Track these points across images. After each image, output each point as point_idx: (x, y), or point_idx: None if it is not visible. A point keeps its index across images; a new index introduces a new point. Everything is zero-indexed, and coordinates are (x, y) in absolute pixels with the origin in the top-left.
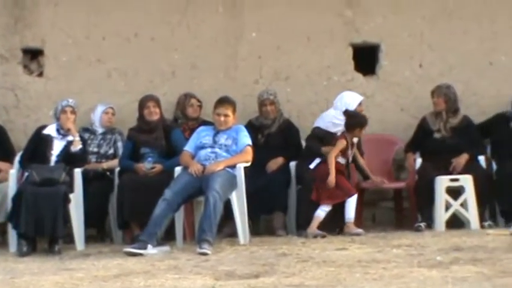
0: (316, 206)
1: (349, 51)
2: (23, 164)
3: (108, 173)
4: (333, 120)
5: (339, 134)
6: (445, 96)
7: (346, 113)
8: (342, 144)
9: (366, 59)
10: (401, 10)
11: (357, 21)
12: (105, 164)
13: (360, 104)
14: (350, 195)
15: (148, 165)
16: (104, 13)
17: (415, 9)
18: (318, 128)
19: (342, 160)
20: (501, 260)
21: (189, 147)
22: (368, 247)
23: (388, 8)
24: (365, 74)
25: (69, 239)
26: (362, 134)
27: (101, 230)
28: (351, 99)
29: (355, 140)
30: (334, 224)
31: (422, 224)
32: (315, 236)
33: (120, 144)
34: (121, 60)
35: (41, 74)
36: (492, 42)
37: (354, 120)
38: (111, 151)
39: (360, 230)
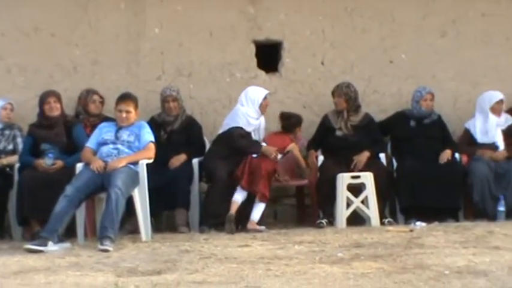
0: (225, 202)
1: (252, 48)
2: None
3: (7, 169)
4: (247, 119)
5: (256, 133)
6: (346, 95)
7: (282, 115)
8: (296, 145)
9: (268, 56)
10: (303, 8)
11: (260, 18)
12: (5, 160)
13: (266, 98)
14: (266, 200)
15: (49, 162)
16: (3, 8)
17: (316, 7)
18: (241, 128)
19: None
20: (401, 256)
21: (90, 144)
22: (270, 244)
23: (290, 5)
24: (268, 71)
25: None
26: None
27: None
28: (255, 94)
29: None
30: (237, 221)
31: (324, 221)
32: (230, 222)
33: (19, 140)
34: (21, 55)
35: None
36: (392, 40)
37: (292, 120)
38: (10, 147)
39: (262, 227)
